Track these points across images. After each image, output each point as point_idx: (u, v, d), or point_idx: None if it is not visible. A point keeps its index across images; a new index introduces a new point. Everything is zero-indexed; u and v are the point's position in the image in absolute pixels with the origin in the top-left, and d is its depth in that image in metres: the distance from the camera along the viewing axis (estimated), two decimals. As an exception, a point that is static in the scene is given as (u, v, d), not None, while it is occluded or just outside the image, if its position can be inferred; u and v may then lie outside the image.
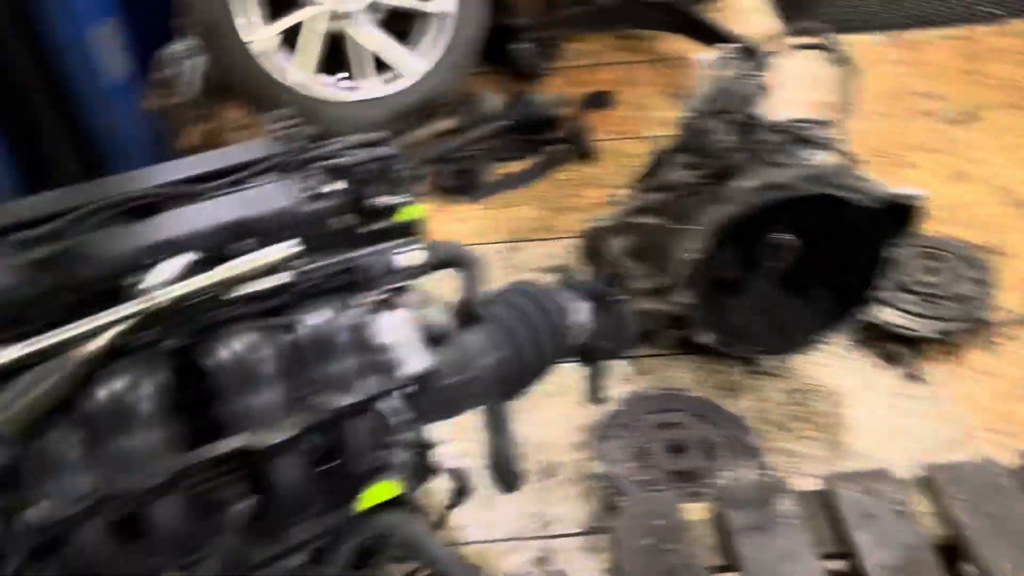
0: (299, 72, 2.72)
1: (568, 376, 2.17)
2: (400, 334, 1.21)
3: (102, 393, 1.08)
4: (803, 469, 1.98)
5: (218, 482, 1.21)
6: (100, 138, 2.35)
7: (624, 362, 2.25)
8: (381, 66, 2.94)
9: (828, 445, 2.05)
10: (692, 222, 2.04)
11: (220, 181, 1.38)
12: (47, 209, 1.33)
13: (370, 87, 2.88)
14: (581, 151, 2.96)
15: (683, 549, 1.59)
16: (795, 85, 2.64)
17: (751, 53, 2.26)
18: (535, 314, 1.27)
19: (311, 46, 2.73)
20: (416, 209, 1.40)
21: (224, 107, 3.26)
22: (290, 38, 2.77)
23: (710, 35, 3.20)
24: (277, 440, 1.08)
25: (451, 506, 1.48)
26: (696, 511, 1.67)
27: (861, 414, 2.12)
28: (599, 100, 3.23)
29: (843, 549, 1.61)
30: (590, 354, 1.42)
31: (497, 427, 1.41)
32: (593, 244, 2.30)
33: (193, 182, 1.37)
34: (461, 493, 1.47)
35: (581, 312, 1.34)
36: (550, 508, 1.94)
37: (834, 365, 2.23)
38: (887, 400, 2.14)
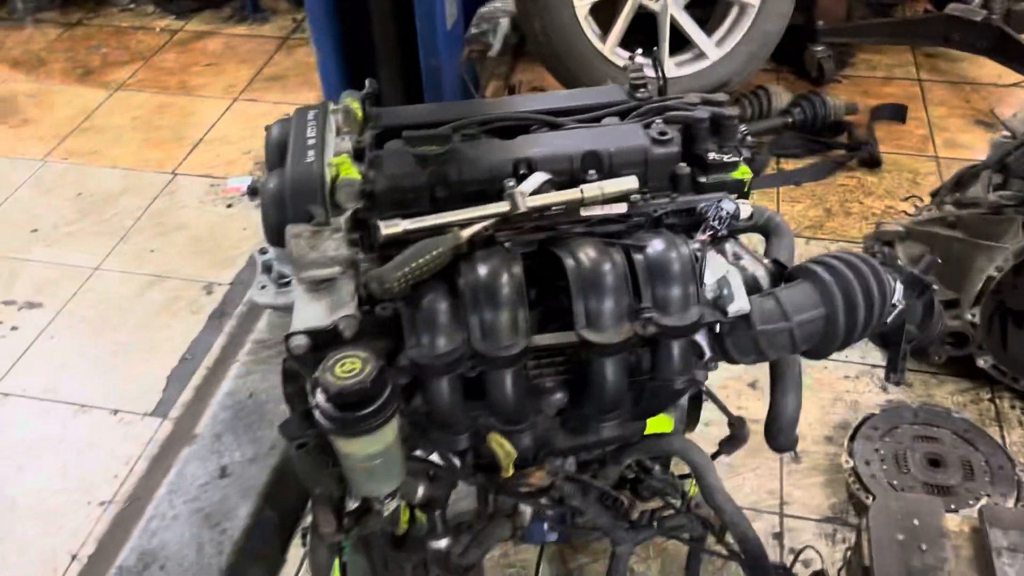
0: (608, 42, 2.87)
1: (828, 373, 2.21)
2: (724, 275, 1.31)
3: (474, 272, 1.26)
4: (1070, 516, 1.88)
5: (544, 371, 1.38)
6: (428, 72, 2.64)
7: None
8: (674, 49, 3.04)
9: (1101, 499, 1.93)
10: (994, 240, 1.98)
11: (577, 116, 1.54)
12: (431, 117, 1.56)
13: (665, 68, 2.98)
14: (867, 159, 2.91)
15: (937, 554, 1.59)
16: None
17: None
18: (856, 283, 1.32)
19: (621, 19, 2.87)
20: (745, 170, 1.49)
21: (520, 68, 3.52)
22: (594, 11, 2.94)
23: (1026, 61, 3.04)
24: (615, 339, 1.22)
25: (719, 452, 1.58)
26: (954, 522, 1.65)
27: None
28: (891, 112, 3.16)
29: (1112, 596, 1.54)
30: (895, 335, 1.45)
31: (787, 385, 1.48)
32: (876, 248, 2.28)
33: (554, 114, 1.54)
34: (734, 440, 1.57)
35: (896, 293, 1.37)
36: (792, 490, 1.98)
37: (1120, 420, 2.10)
38: None
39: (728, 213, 1.36)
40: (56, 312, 2.49)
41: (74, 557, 1.90)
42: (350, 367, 1.17)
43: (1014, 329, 2.16)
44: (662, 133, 1.45)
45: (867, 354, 2.29)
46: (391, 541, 1.63)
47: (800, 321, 1.31)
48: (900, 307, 1.38)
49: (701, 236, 1.35)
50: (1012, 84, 3.27)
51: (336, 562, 1.64)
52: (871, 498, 1.86)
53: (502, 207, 1.32)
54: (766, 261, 1.44)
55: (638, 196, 1.38)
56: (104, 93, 3.46)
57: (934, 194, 2.34)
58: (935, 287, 1.44)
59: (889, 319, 1.38)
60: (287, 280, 1.48)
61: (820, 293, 1.32)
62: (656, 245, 1.29)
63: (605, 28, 2.93)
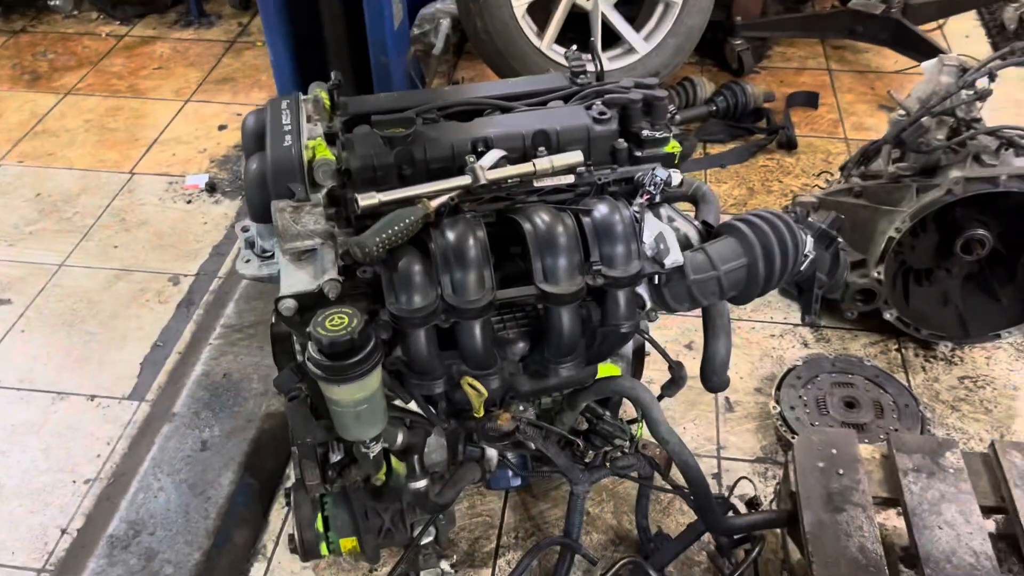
0: (544, 39, 3.07)
1: (755, 333, 2.44)
2: (660, 233, 1.51)
3: (444, 236, 1.43)
4: (968, 445, 2.15)
5: (507, 324, 1.56)
6: (377, 69, 2.80)
7: (806, 329, 2.48)
8: (605, 45, 3.26)
9: (994, 429, 2.20)
10: (894, 206, 2.24)
11: (525, 101, 1.73)
12: (394, 105, 1.73)
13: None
14: (784, 142, 3.17)
15: (853, 477, 1.82)
16: (1008, 98, 2.77)
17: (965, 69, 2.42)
18: (772, 236, 1.53)
19: (556, 17, 3.07)
20: (675, 144, 1.70)
21: (461, 65, 3.69)
22: (531, 10, 3.13)
23: (924, 50, 3.34)
24: (570, 290, 1.41)
25: (662, 395, 1.78)
26: (867, 450, 1.89)
27: (1030, 409, 2.26)
28: (805, 99, 3.43)
29: (1000, 504, 1.79)
30: (807, 283, 1.67)
31: (717, 331, 1.69)
32: (791, 208, 2.52)
33: (505, 99, 1.73)
34: (675, 382, 1.77)
35: (807, 245, 1.59)
36: (727, 436, 2.20)
37: (1008, 361, 2.38)
38: (1057, 402, 2.27)
39: (661, 179, 1.56)
40: (25, 307, 2.57)
41: (64, 531, 2.00)
42: (338, 322, 1.33)
43: (915, 286, 2.43)
44: (602, 113, 1.66)
45: (789, 315, 2.53)
46: (370, 492, 1.79)
47: (726, 270, 1.52)
48: (811, 257, 1.60)
49: (640, 200, 1.55)
50: (909, 69, 3.59)
51: (319, 515, 1.79)
52: (796, 437, 2.08)
53: (465, 180, 1.50)
54: (696, 222, 1.65)
55: (583, 168, 1.58)
56: (54, 98, 3.51)
57: (842, 168, 2.60)
58: (839, 240, 1.68)
59: (802, 267, 1.61)
60: (270, 254, 1.63)
61: (742, 245, 1.54)
62: (601, 209, 1.49)
63: (541, 26, 3.13)
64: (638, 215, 1.51)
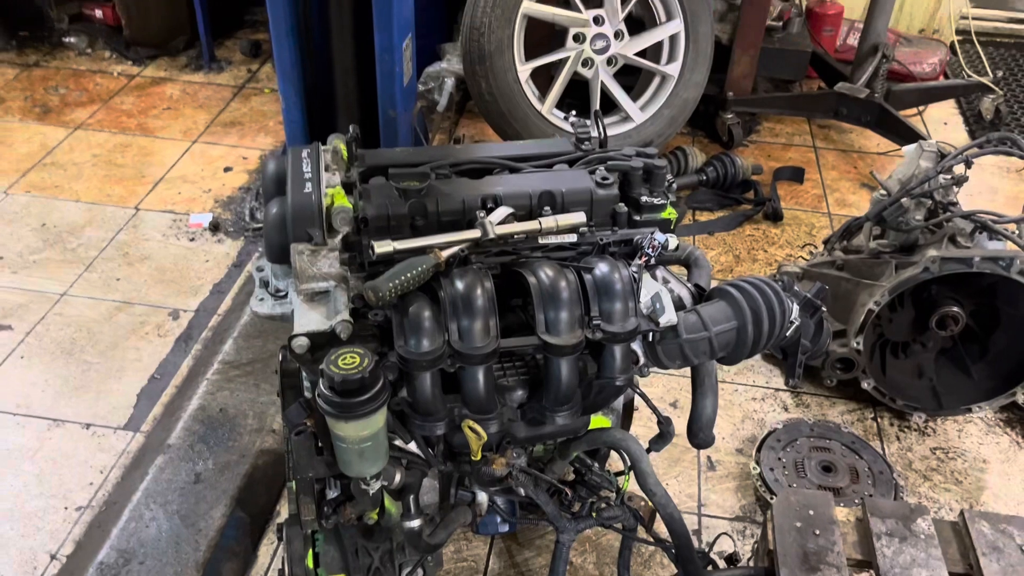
0: (545, 104, 3.21)
1: (738, 395, 2.52)
2: (657, 293, 1.60)
3: (453, 285, 1.51)
4: (938, 514, 2.22)
5: (508, 373, 1.64)
6: (385, 122, 2.91)
7: (787, 394, 2.57)
8: (603, 112, 3.40)
9: (963, 499, 2.28)
10: (874, 280, 2.35)
11: (532, 162, 1.84)
12: (409, 159, 1.82)
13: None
14: (771, 213, 3.31)
15: (829, 538, 1.89)
16: (983, 184, 2.91)
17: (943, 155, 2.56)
18: (761, 302, 1.63)
19: (559, 83, 3.22)
20: (671, 211, 1.81)
21: (462, 123, 3.82)
22: (534, 76, 3.27)
23: (904, 134, 3.51)
24: (570, 342, 1.49)
25: (650, 449, 1.85)
26: (843, 513, 1.96)
27: (997, 481, 2.34)
28: (791, 174, 3.58)
29: (968, 572, 1.86)
30: (791, 348, 1.76)
31: (705, 389, 1.77)
32: (779, 276, 2.63)
33: (513, 160, 1.83)
34: (663, 437, 1.84)
35: (793, 312, 1.69)
36: (708, 494, 2.26)
37: (979, 435, 2.47)
38: (1022, 475, 2.36)
39: (659, 243, 1.66)
40: (26, 334, 2.61)
41: (53, 557, 2.02)
42: (350, 360, 1.40)
43: (891, 357, 2.53)
44: (604, 178, 1.76)
45: (771, 379, 2.62)
46: (362, 531, 1.83)
47: (717, 331, 1.61)
48: (796, 323, 1.70)
49: (638, 261, 1.65)
50: (891, 151, 3.76)
51: (310, 552, 1.83)
52: (775, 497, 2.15)
53: (475, 234, 1.59)
54: (689, 285, 1.74)
55: (585, 229, 1.68)
56: (64, 131, 3.60)
57: (826, 242, 2.72)
58: (823, 309, 1.77)
59: (787, 333, 1.70)
60: (283, 294, 1.70)
61: (733, 309, 1.63)
62: (602, 267, 1.58)
63: (543, 91, 3.27)
64: (636, 275, 1.61)
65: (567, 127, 3.35)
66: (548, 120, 3.23)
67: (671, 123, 3.43)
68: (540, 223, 1.64)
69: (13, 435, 2.30)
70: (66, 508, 2.13)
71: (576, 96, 3.38)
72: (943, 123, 4.12)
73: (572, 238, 1.68)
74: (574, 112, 3.49)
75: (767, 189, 3.46)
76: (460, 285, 1.51)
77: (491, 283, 1.54)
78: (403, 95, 2.94)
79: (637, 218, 1.76)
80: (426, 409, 1.52)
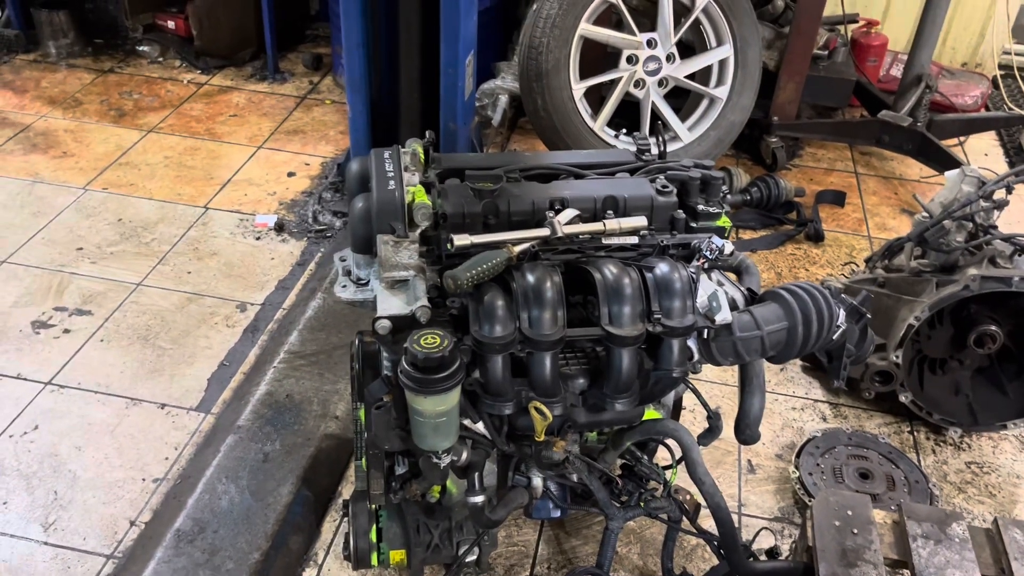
0: (598, 121, 3.35)
1: (779, 405, 2.62)
2: (713, 293, 1.71)
3: (524, 278, 1.64)
4: (972, 524, 2.29)
5: (570, 362, 1.76)
6: (446, 134, 3.06)
7: (826, 405, 2.66)
8: (652, 131, 3.53)
9: (996, 512, 2.35)
10: (914, 296, 2.44)
11: (597, 170, 1.97)
12: (481, 163, 1.96)
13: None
14: (812, 234, 3.41)
15: (866, 537, 1.97)
16: (1023, 212, 2.99)
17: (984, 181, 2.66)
18: (811, 305, 1.73)
19: (611, 102, 3.36)
20: (726, 219, 1.93)
21: (514, 138, 3.97)
22: (587, 94, 3.42)
23: (946, 163, 3.60)
24: (632, 333, 1.61)
25: (698, 443, 1.95)
26: (880, 515, 2.05)
27: (1031, 497, 2.41)
28: (833, 198, 3.68)
29: (1000, 575, 1.94)
30: (837, 352, 1.86)
31: (753, 388, 1.88)
32: (826, 285, 2.73)
33: (578, 168, 1.96)
34: (712, 431, 1.95)
35: (840, 317, 1.79)
36: (748, 495, 2.35)
37: (1013, 451, 2.54)
38: (1058, 494, 2.43)
39: (717, 247, 1.78)
40: (104, 319, 2.77)
41: (132, 523, 2.17)
42: (432, 340, 1.54)
43: (929, 373, 2.61)
44: (664, 187, 1.89)
45: (810, 391, 2.71)
46: (424, 509, 1.96)
47: (769, 331, 1.72)
48: (842, 328, 1.81)
49: (696, 263, 1.77)
50: (931, 178, 3.85)
51: (374, 527, 1.96)
52: (813, 500, 2.24)
53: (544, 232, 1.72)
54: (742, 288, 1.86)
55: (645, 232, 1.80)
56: (137, 134, 3.80)
57: (867, 260, 2.82)
58: (868, 316, 1.88)
59: (834, 336, 1.80)
60: (364, 282, 1.84)
61: (784, 310, 1.74)
62: (662, 267, 1.70)
63: (595, 109, 3.41)
64: (694, 276, 1.72)
65: (618, 144, 3.49)
66: (600, 137, 3.37)
67: (717, 144, 3.55)
68: (604, 224, 1.77)
69: (95, 411, 2.45)
70: (144, 480, 2.27)
71: (626, 115, 3.52)
72: (984, 154, 4.19)
73: (633, 240, 1.81)
74: (624, 130, 3.65)
75: (809, 211, 3.57)
76: (531, 278, 1.63)
77: (559, 277, 1.67)
78: (464, 109, 3.09)
79: (694, 224, 1.88)
80: (497, 390, 1.65)
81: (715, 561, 2.06)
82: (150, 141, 3.76)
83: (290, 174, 3.60)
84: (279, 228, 3.24)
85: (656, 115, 3.47)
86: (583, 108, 3.35)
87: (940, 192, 2.71)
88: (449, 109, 3.04)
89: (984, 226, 2.47)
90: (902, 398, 2.53)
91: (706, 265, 1.80)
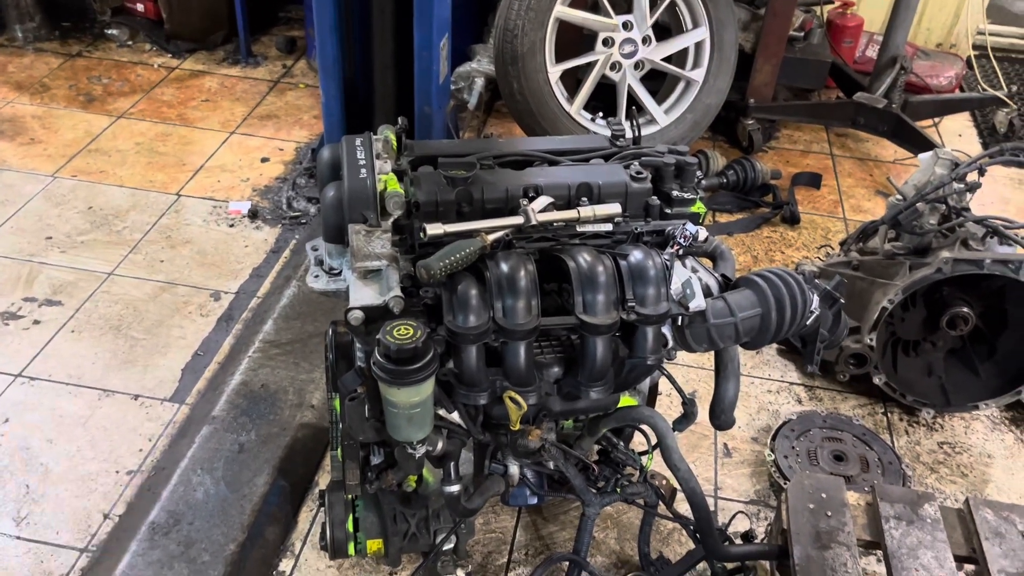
0: (574, 104, 3.33)
1: (754, 388, 2.63)
2: (687, 279, 1.71)
3: (498, 267, 1.63)
4: (944, 504, 2.32)
5: (545, 351, 1.75)
6: (420, 118, 3.03)
7: (801, 387, 2.68)
8: (628, 114, 3.51)
9: (968, 491, 2.38)
10: (888, 279, 2.46)
11: (571, 156, 1.95)
12: (454, 150, 1.94)
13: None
14: (788, 217, 3.41)
15: (840, 519, 1.99)
16: (994, 193, 3.01)
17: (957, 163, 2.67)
18: (785, 291, 1.74)
19: (587, 85, 3.34)
20: (700, 205, 1.92)
21: (490, 122, 3.95)
22: (563, 77, 3.39)
23: (920, 144, 3.61)
24: (606, 321, 1.60)
25: (674, 429, 1.96)
26: (853, 497, 2.07)
27: (1001, 476, 2.44)
28: (809, 180, 3.69)
29: (972, 555, 1.97)
30: (811, 336, 1.87)
31: (728, 374, 1.89)
32: (800, 270, 2.74)
33: (553, 154, 1.95)
34: (686, 418, 1.96)
35: (814, 302, 1.80)
36: (724, 479, 2.37)
37: (985, 431, 2.57)
38: (1027, 472, 2.47)
39: (691, 234, 1.78)
40: (75, 310, 2.73)
41: (106, 516, 2.15)
42: (404, 332, 1.52)
43: (902, 355, 2.63)
44: (638, 173, 1.87)
45: (785, 374, 2.73)
46: (400, 498, 1.95)
47: (743, 317, 1.72)
48: (816, 313, 1.81)
49: (670, 250, 1.77)
50: (905, 160, 3.87)
51: (351, 516, 1.95)
52: (788, 482, 2.26)
53: (518, 220, 1.71)
54: (716, 274, 1.86)
55: (620, 219, 1.79)
56: (107, 120, 3.73)
57: (842, 243, 2.83)
58: (842, 301, 1.88)
59: (808, 322, 1.81)
60: (337, 271, 1.82)
61: (758, 297, 1.75)
62: (636, 255, 1.70)
63: (572, 93, 3.39)
64: (668, 263, 1.72)
65: (594, 128, 3.47)
66: (576, 120, 3.35)
67: (694, 127, 3.54)
68: (578, 212, 1.76)
69: (67, 403, 2.42)
70: (117, 472, 2.25)
71: (602, 98, 3.50)
72: (958, 135, 4.22)
73: (608, 227, 1.80)
74: (600, 113, 3.62)
75: (785, 193, 3.57)
76: (505, 267, 1.62)
77: (533, 266, 1.65)
78: (438, 92, 3.06)
79: (668, 211, 1.88)
80: (471, 380, 1.64)
81: (691, 545, 2.07)
82: (120, 127, 3.70)
83: (264, 160, 3.56)
84: (253, 215, 3.21)
85: (632, 98, 3.46)
86: (559, 91, 3.33)
87: (914, 174, 2.72)
88: (424, 93, 3.01)
89: (957, 208, 2.48)
90: (876, 380, 2.55)
91: (680, 252, 1.80)
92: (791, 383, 2.69)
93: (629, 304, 1.64)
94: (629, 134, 2.06)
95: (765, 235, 3.38)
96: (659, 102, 3.52)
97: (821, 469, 2.34)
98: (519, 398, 1.64)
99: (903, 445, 2.51)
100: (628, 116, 3.67)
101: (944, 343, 2.62)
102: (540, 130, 3.30)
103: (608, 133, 2.07)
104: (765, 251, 3.28)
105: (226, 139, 3.67)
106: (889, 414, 2.61)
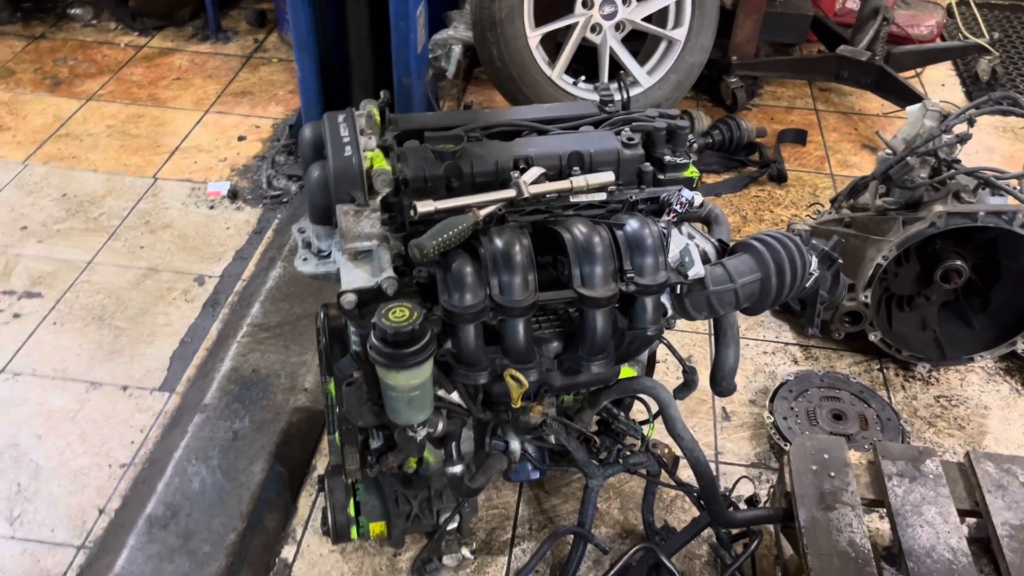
0: (555, 69, 3.26)
1: (750, 350, 2.62)
2: (685, 247, 1.68)
3: (492, 243, 1.58)
4: (943, 458, 2.33)
5: (544, 326, 1.72)
6: (400, 89, 2.96)
7: (796, 347, 2.67)
8: (611, 77, 3.45)
9: (966, 444, 2.39)
10: (880, 235, 2.44)
11: (560, 124, 1.90)
12: (440, 123, 1.89)
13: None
14: (775, 175, 3.38)
15: (843, 479, 1.99)
16: (982, 144, 2.99)
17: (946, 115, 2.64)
18: (783, 254, 1.71)
19: (568, 49, 3.27)
20: (693, 169, 1.88)
21: (470, 89, 3.87)
22: (543, 41, 3.32)
23: (904, 96, 3.59)
24: (605, 294, 1.57)
25: (674, 398, 1.94)
26: (855, 456, 2.07)
27: (998, 426, 2.45)
28: (794, 136, 3.65)
29: (975, 508, 1.97)
30: (810, 299, 1.85)
31: (728, 340, 1.86)
32: (796, 231, 2.71)
33: (541, 123, 1.90)
34: (687, 386, 1.94)
35: (812, 264, 1.77)
36: (724, 443, 2.36)
37: (980, 383, 2.58)
38: (1022, 421, 2.48)
39: (687, 199, 1.74)
40: (56, 301, 2.67)
41: (101, 511, 2.11)
42: (400, 314, 1.48)
43: (897, 311, 2.63)
44: (630, 139, 1.83)
45: (780, 334, 2.72)
46: (401, 480, 1.93)
47: (742, 283, 1.70)
48: (815, 275, 1.79)
49: (666, 217, 1.73)
50: (891, 113, 3.84)
51: (352, 500, 1.93)
52: (788, 444, 2.25)
53: (511, 193, 1.66)
54: (713, 240, 1.82)
55: (614, 187, 1.75)
56: (76, 103, 3.63)
57: (833, 200, 2.81)
58: (840, 261, 1.86)
59: (807, 284, 1.79)
60: (326, 253, 1.77)
61: (757, 261, 1.72)
62: (633, 224, 1.66)
63: (553, 57, 3.32)
64: (665, 231, 1.69)
65: (576, 92, 3.41)
66: (558, 85, 3.29)
67: (677, 87, 3.49)
68: (571, 182, 1.72)
69: (53, 397, 2.37)
70: (110, 466, 2.21)
71: (584, 62, 3.43)
72: (941, 84, 4.19)
73: (601, 196, 1.76)
74: (583, 77, 3.56)
75: (771, 151, 3.54)
76: (499, 242, 1.58)
77: (528, 240, 1.62)
78: (417, 62, 2.99)
79: (661, 177, 1.84)
80: (470, 360, 1.60)
81: (695, 512, 2.07)
82: (90, 110, 3.59)
83: (240, 138, 3.47)
84: (233, 196, 3.14)
85: (615, 60, 3.39)
86: (540, 56, 3.26)
87: (902, 128, 2.69)
88: (402, 63, 2.93)
89: (947, 161, 2.46)
90: (871, 337, 2.54)
91: (676, 219, 1.76)
92: (786, 343, 2.68)
93: (628, 275, 1.61)
94: (617, 97, 2.00)
95: (753, 194, 3.35)
96: (641, 63, 3.46)
97: (820, 429, 2.34)
98: (520, 376, 1.61)
99: (900, 400, 2.51)
100: (612, 78, 3.63)
101: (938, 297, 2.61)
102: (522, 97, 3.23)
103: (595, 98, 2.01)
104: (754, 211, 3.26)
105: (200, 118, 3.58)
106: (885, 370, 2.61)
